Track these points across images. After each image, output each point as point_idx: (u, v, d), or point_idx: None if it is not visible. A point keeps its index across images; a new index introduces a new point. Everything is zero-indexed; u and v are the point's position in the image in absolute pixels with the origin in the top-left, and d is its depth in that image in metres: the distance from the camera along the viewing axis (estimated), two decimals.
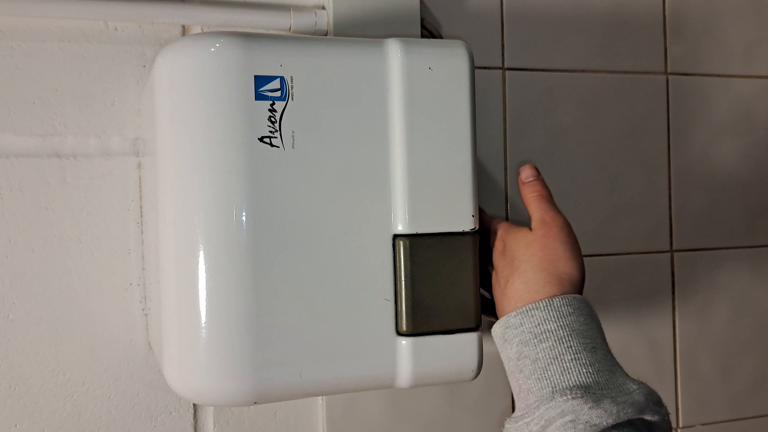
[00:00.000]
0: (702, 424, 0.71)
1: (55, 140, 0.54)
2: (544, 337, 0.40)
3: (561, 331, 0.40)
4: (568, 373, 0.39)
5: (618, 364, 0.41)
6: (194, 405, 0.57)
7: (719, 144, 0.72)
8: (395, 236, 0.44)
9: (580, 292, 0.43)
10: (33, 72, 0.53)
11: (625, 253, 0.68)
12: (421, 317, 0.44)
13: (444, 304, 0.45)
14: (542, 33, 0.65)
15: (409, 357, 0.44)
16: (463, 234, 0.45)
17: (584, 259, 0.45)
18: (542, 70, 0.65)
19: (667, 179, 0.70)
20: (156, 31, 0.56)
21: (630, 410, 0.37)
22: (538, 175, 0.48)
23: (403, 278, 0.44)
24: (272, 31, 0.55)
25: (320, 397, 0.59)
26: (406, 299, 0.44)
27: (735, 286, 0.72)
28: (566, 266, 0.43)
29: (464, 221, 0.45)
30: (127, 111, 0.55)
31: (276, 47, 0.42)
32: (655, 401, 0.39)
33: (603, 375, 0.39)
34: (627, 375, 0.40)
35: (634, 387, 0.39)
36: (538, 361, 0.40)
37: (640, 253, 0.69)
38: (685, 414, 0.69)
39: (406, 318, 0.44)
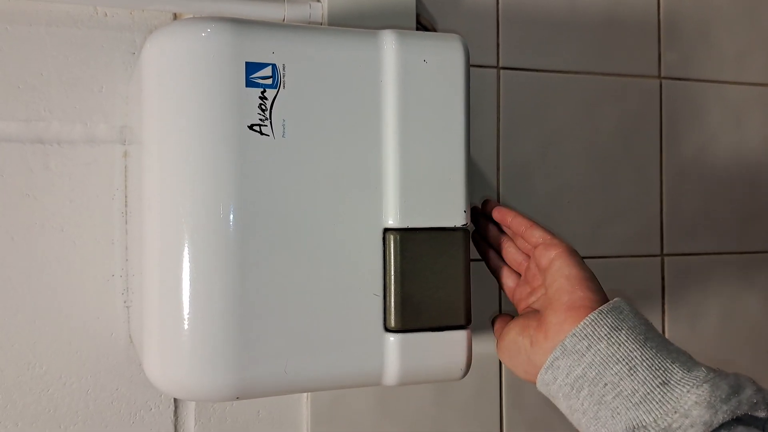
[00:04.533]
0: None
1: (39, 125, 0.52)
2: (579, 384, 0.38)
3: (590, 372, 0.38)
4: (618, 414, 0.36)
5: (669, 363, 0.37)
6: (175, 401, 0.55)
7: (711, 149, 0.72)
8: (386, 230, 0.43)
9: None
10: (18, 55, 0.52)
11: (615, 256, 0.68)
12: (410, 313, 0.43)
13: (434, 301, 0.44)
14: (538, 33, 0.65)
15: (396, 354, 0.43)
16: (454, 229, 0.44)
17: None
18: (537, 70, 0.65)
19: (658, 183, 0.69)
20: (146, 18, 0.55)
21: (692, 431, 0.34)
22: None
23: (392, 273, 0.43)
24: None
25: (305, 394, 0.58)
26: (395, 294, 0.43)
27: (724, 291, 0.72)
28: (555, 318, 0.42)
29: (456, 216, 0.45)
30: (114, 98, 0.54)
31: (268, 34, 0.41)
32: (723, 398, 0.34)
33: (653, 398, 0.36)
34: (684, 376, 0.36)
35: (692, 399, 0.35)
36: (587, 412, 0.38)
37: (631, 256, 0.68)
38: None
39: (395, 314, 0.43)
